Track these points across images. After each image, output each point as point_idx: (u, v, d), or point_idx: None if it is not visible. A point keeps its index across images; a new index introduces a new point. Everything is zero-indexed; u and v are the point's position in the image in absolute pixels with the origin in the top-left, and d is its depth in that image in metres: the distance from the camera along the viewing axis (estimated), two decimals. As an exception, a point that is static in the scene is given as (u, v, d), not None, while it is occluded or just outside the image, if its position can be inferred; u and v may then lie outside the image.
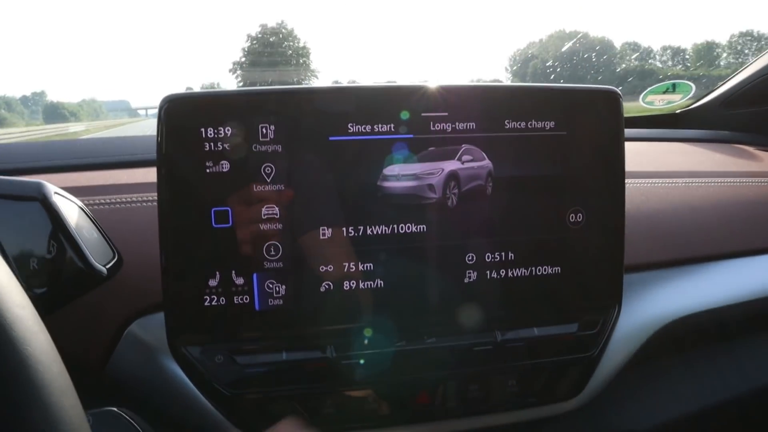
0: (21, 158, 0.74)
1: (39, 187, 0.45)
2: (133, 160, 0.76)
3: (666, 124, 1.35)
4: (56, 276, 0.45)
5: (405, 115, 0.53)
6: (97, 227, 0.51)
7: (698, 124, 1.31)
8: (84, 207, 0.51)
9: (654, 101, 1.37)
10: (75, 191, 0.55)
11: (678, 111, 1.37)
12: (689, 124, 1.33)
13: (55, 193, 0.46)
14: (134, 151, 0.79)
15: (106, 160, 0.76)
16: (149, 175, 0.71)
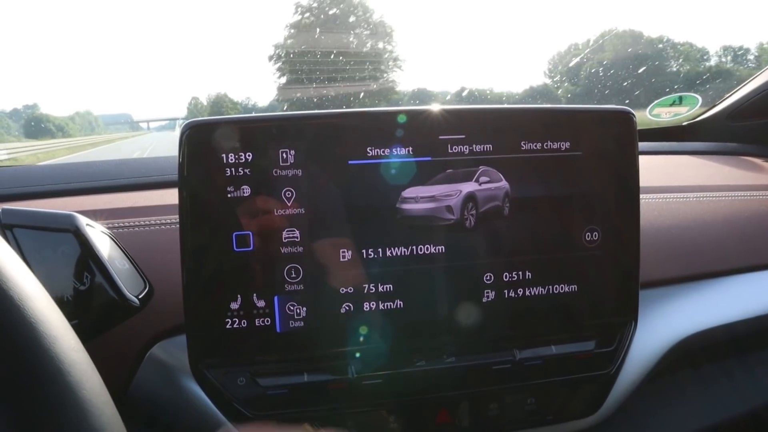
0: (39, 181, 0.75)
1: (71, 219, 0.46)
2: (149, 182, 0.77)
3: (672, 137, 1.35)
4: (89, 307, 0.45)
5: (423, 138, 0.54)
6: (127, 257, 0.51)
7: (705, 136, 1.31)
8: (114, 237, 0.52)
9: (661, 114, 1.38)
10: (95, 214, 0.55)
11: (685, 123, 1.37)
12: (696, 136, 1.33)
13: (87, 224, 0.47)
14: (149, 172, 0.80)
15: (122, 182, 0.76)
16: (166, 197, 0.72)
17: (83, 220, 0.47)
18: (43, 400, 0.25)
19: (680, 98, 1.37)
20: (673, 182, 0.90)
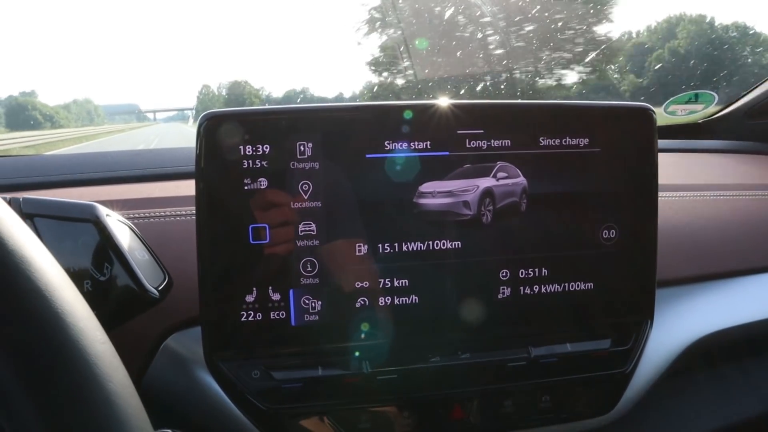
0: (56, 171, 0.75)
1: (91, 209, 0.46)
2: (165, 173, 0.77)
3: (688, 134, 1.34)
4: (109, 298, 0.45)
5: (441, 132, 0.53)
6: (147, 248, 0.51)
7: (721, 134, 1.30)
8: (134, 227, 0.52)
9: (676, 111, 1.36)
10: (111, 205, 0.55)
11: (700, 121, 1.36)
12: (711, 134, 1.32)
13: (107, 215, 0.47)
14: (164, 164, 0.80)
15: (138, 173, 0.77)
16: (181, 188, 0.72)
17: (103, 210, 0.47)
18: (70, 392, 0.25)
19: (696, 95, 1.35)
20: (689, 180, 0.90)
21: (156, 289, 0.48)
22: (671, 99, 1.38)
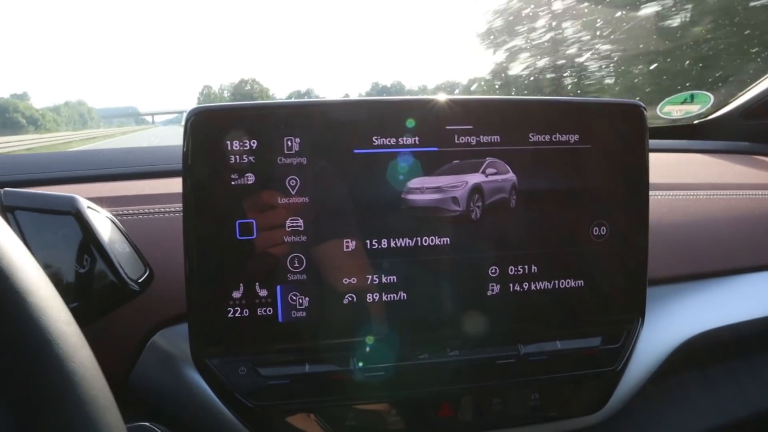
0: (47, 168, 0.75)
1: (72, 201, 0.46)
2: (155, 171, 0.77)
3: (684, 135, 1.34)
4: (89, 290, 0.45)
5: (430, 128, 0.53)
6: (128, 241, 0.51)
7: (716, 134, 1.30)
8: (116, 220, 0.52)
9: (672, 111, 1.37)
10: (100, 201, 0.55)
11: (696, 122, 1.36)
12: (707, 135, 1.32)
13: (88, 207, 0.47)
14: (156, 161, 0.80)
15: (128, 171, 0.76)
16: (170, 185, 0.71)
17: (84, 203, 0.47)
18: (29, 370, 0.24)
19: (692, 96, 1.36)
20: (683, 180, 0.89)
21: (136, 281, 0.48)
22: (666, 100, 1.38)
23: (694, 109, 1.36)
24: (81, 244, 0.45)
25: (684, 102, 1.36)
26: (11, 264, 0.25)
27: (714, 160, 1.09)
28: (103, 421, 0.26)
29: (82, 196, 0.51)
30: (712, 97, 1.34)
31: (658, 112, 1.39)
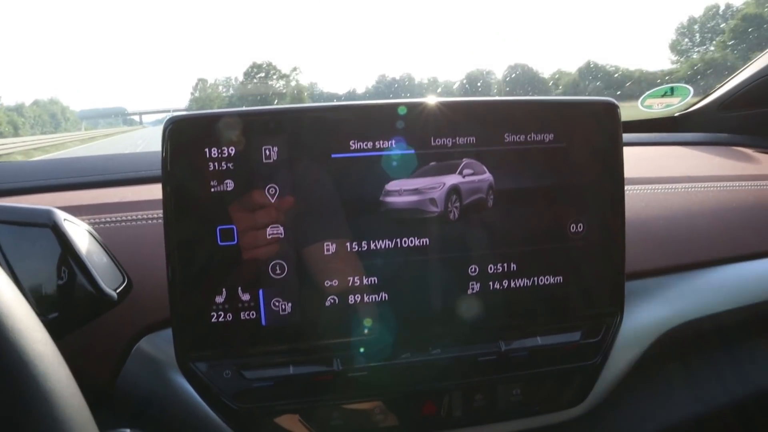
0: (28, 177, 0.75)
1: (49, 214, 0.46)
2: (137, 177, 0.77)
3: (664, 128, 1.36)
4: (67, 301, 0.46)
5: (406, 130, 0.54)
6: (106, 251, 0.51)
7: (696, 127, 1.32)
8: (93, 231, 0.52)
9: (653, 105, 1.38)
10: (82, 210, 0.56)
11: (676, 114, 1.37)
12: (688, 127, 1.34)
13: (65, 219, 0.47)
14: (138, 168, 0.80)
15: (110, 178, 0.77)
16: (153, 192, 0.72)
17: (61, 215, 0.47)
18: (7, 391, 0.25)
19: (672, 89, 1.37)
20: (661, 173, 0.91)
21: (114, 291, 0.48)
22: (647, 93, 1.40)
23: (674, 101, 1.37)
24: (58, 256, 0.45)
25: (664, 95, 1.38)
26: None
27: (692, 152, 1.11)
28: None
29: (64, 204, 0.51)
30: (691, 89, 1.35)
31: (639, 106, 1.40)
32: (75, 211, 0.53)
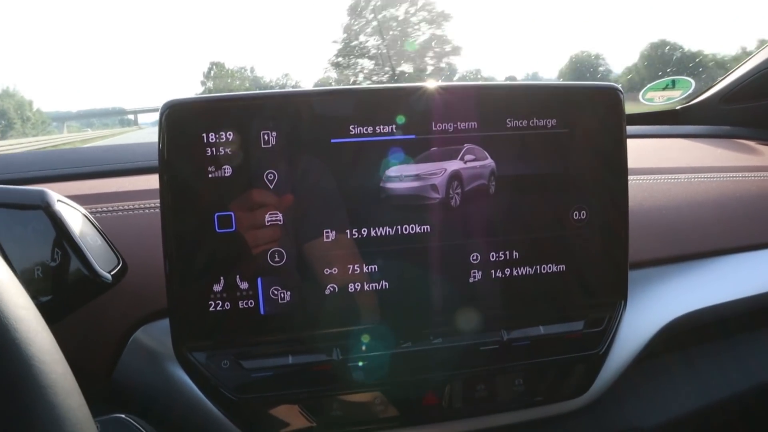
0: (24, 167, 0.74)
1: (42, 195, 0.45)
2: (135, 168, 0.76)
3: (666, 121, 1.35)
4: (61, 284, 0.45)
5: (406, 115, 0.53)
6: (101, 234, 0.51)
7: (698, 119, 1.31)
8: (87, 214, 0.51)
9: (654, 98, 1.37)
10: (79, 199, 0.55)
11: (678, 107, 1.37)
12: (689, 120, 1.33)
13: (58, 200, 0.47)
14: (136, 158, 0.79)
15: (108, 168, 0.76)
16: (151, 181, 0.71)
17: (54, 196, 0.46)
18: None
19: (673, 82, 1.36)
20: (664, 164, 0.90)
21: (109, 273, 0.47)
22: (649, 86, 1.39)
23: (676, 94, 1.37)
24: (52, 238, 0.45)
25: (666, 88, 1.37)
26: None
27: (695, 144, 1.10)
28: (64, 405, 0.25)
29: (63, 194, 0.50)
30: (693, 82, 1.35)
31: (641, 99, 1.39)
32: (73, 200, 0.52)
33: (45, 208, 0.44)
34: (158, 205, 0.54)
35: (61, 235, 0.44)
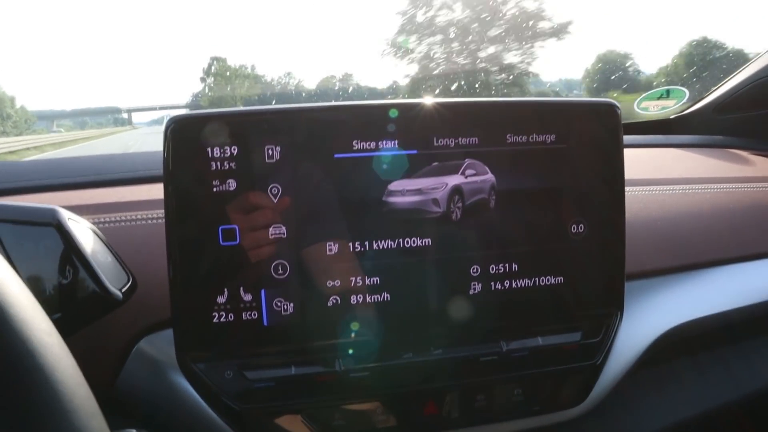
0: (25, 176, 0.75)
1: (53, 213, 0.46)
2: (136, 177, 0.77)
3: (660, 130, 1.36)
4: (72, 301, 0.45)
5: (409, 130, 0.54)
6: (110, 251, 0.51)
7: (692, 129, 1.32)
8: (97, 230, 0.52)
9: (648, 107, 1.39)
10: (81, 210, 0.55)
11: (672, 117, 1.38)
12: (683, 130, 1.34)
13: (69, 218, 0.47)
14: (136, 167, 0.79)
15: (110, 177, 0.76)
16: (153, 191, 0.71)
17: (65, 214, 0.47)
18: (14, 381, 0.25)
19: (667, 92, 1.38)
20: (659, 175, 0.91)
21: (119, 290, 0.48)
22: (643, 96, 1.41)
23: (670, 104, 1.38)
24: (63, 256, 0.45)
25: (660, 97, 1.39)
26: None
27: (689, 154, 1.11)
28: (88, 429, 0.26)
29: (63, 203, 0.51)
30: (687, 92, 1.36)
31: (636, 108, 1.41)
32: (74, 211, 0.53)
33: (56, 225, 0.45)
34: (161, 215, 0.55)
35: (72, 253, 0.45)
